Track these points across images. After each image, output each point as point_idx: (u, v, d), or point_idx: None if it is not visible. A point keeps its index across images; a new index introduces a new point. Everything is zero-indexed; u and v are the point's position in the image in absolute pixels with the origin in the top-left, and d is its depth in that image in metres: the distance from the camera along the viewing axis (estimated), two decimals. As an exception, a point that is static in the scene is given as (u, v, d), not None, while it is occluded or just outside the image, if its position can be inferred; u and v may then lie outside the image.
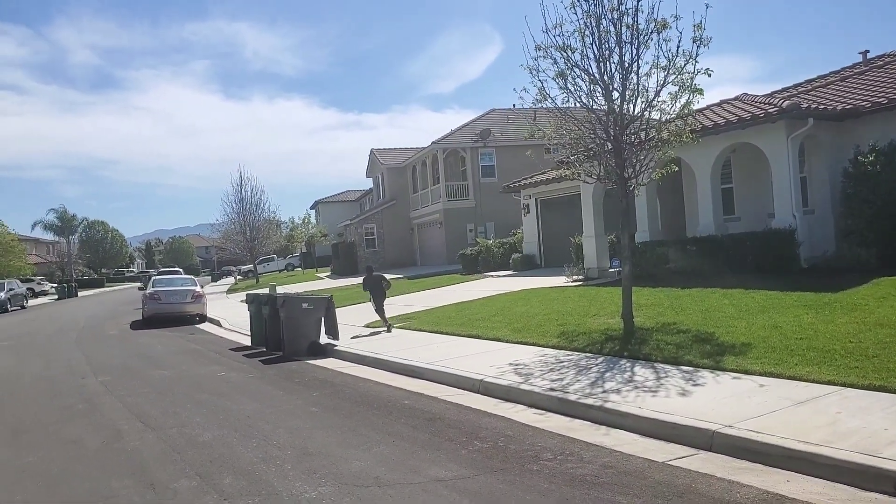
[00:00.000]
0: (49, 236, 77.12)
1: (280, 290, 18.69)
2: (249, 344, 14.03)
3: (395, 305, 17.73)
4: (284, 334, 12.06)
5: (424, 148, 37.10)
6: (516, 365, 8.65)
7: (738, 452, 5.02)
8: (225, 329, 18.40)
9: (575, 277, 17.95)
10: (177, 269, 49.72)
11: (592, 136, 10.71)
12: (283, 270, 61.42)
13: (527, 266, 23.84)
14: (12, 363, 13.72)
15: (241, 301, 27.74)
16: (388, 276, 14.76)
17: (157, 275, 30.81)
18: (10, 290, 37.60)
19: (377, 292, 13.80)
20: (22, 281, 46.49)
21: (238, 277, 59.47)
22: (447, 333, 11.97)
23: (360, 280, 15.67)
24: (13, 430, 7.63)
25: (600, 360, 8.47)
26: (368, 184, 48.07)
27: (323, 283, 34.20)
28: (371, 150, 41.71)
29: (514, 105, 30.94)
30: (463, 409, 7.17)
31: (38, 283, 55.88)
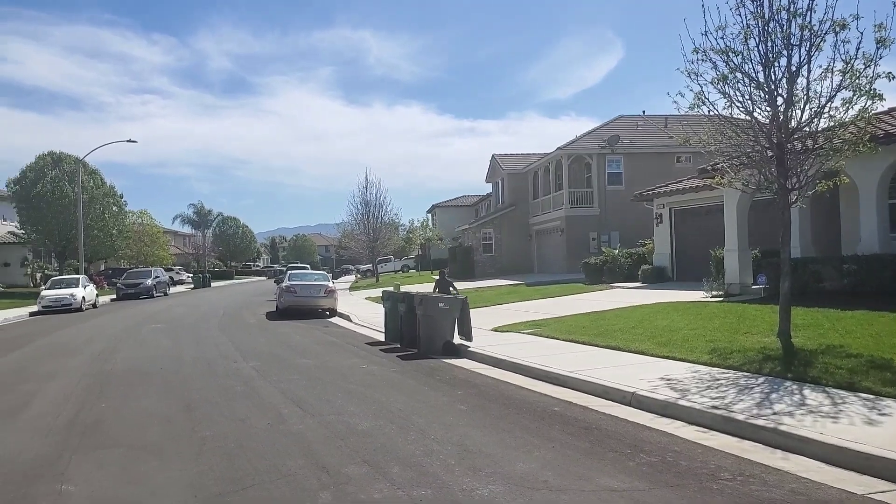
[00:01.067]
0: (187, 229, 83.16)
1: (402, 289, 19.06)
2: (383, 339, 14.37)
3: (519, 312, 17.66)
4: (420, 332, 12.26)
5: (548, 153, 36.82)
6: (668, 380, 8.31)
7: (953, 492, 4.53)
8: (355, 324, 18.99)
9: (714, 293, 17.13)
10: (305, 265, 51.92)
11: (753, 142, 10.15)
12: (398, 272, 62.94)
13: (657, 279, 23.02)
14: (170, 344, 14.78)
15: (366, 298, 28.69)
16: (504, 282, 15.06)
17: (289, 269, 32.29)
18: (156, 277, 40.65)
19: (444, 289, 17.01)
20: (164, 270, 50.27)
21: (357, 276, 61.55)
22: (584, 343, 11.72)
23: (477, 284, 15.88)
24: (186, 405, 8.17)
25: (761, 380, 7.97)
26: (485, 189, 48.35)
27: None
28: (492, 156, 41.86)
29: (643, 111, 30.65)
30: (618, 420, 6.96)
31: (177, 273, 60.16)
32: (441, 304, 12.22)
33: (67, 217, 38.50)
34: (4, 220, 46.79)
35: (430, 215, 65.82)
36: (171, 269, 58.65)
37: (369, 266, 54.15)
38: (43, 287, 31.91)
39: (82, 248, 37.37)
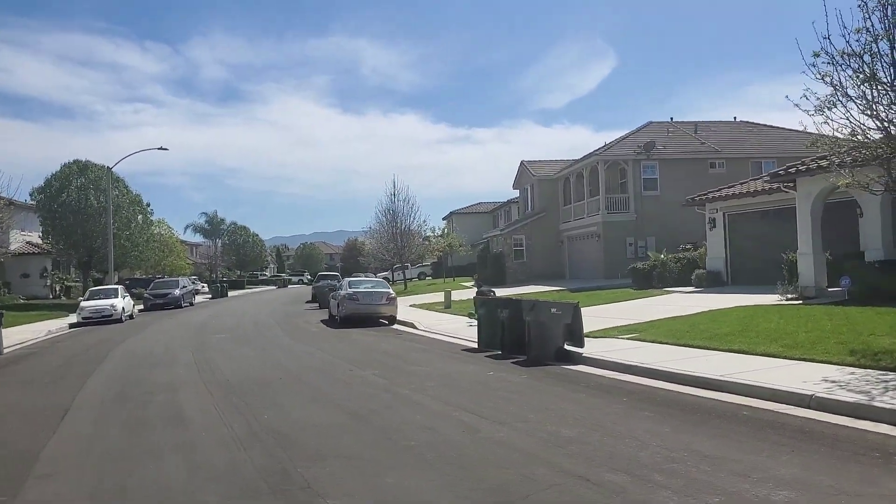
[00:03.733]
0: (198, 238, 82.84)
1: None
2: (476, 346, 14.18)
3: (595, 318, 17.49)
4: (531, 339, 12.14)
5: (579, 160, 36.81)
6: (832, 381, 8.20)
7: None
8: (424, 331, 18.80)
9: (789, 296, 17.06)
10: (334, 273, 51.56)
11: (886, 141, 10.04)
12: (414, 279, 62.81)
13: (712, 283, 22.95)
14: (254, 354, 14.61)
15: (410, 306, 28.48)
16: (542, 288, 15.21)
17: (349, 277, 31.42)
18: (184, 287, 40.40)
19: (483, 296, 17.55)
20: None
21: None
22: (698, 347, 11.60)
23: (513, 290, 15.81)
24: (350, 413, 8.03)
25: (933, 382, 7.89)
26: (501, 196, 48.38)
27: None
28: (521, 162, 41.89)
29: (671, 118, 30.01)
30: (817, 422, 6.84)
31: (193, 283, 59.91)
32: (553, 310, 12.10)
33: (93, 226, 38.14)
34: (23, 230, 46.49)
35: (445, 222, 65.72)
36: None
37: (386, 273, 53.98)
38: (81, 298, 31.61)
39: (112, 257, 37.11)
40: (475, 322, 18.61)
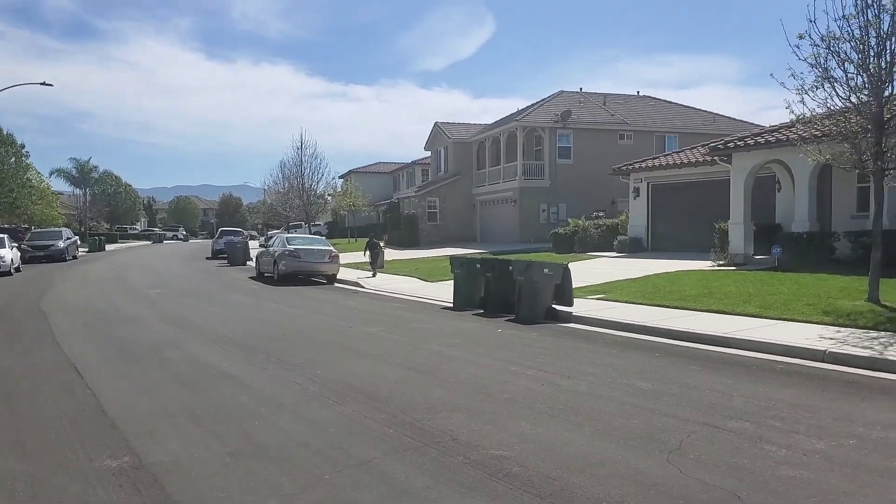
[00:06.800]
0: (64, 185, 76.00)
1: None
2: (451, 306, 14.30)
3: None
4: (522, 298, 12.49)
5: (494, 124, 37.38)
6: (829, 339, 9.15)
7: None
8: (372, 290, 18.70)
9: (720, 262, 18.54)
10: (238, 229, 49.04)
11: (858, 115, 11.06)
12: (309, 238, 61.05)
13: (634, 249, 24.37)
14: (225, 311, 13.97)
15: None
16: (459, 250, 16.33)
17: (285, 233, 29.88)
18: (68, 238, 37.21)
19: (374, 252, 22.41)
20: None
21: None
22: (676, 307, 12.39)
23: (429, 252, 16.28)
24: (410, 368, 8.01)
25: (915, 338, 9.02)
26: (400, 158, 48.08)
27: (393, 254, 34.31)
28: (435, 123, 41.88)
29: (580, 88, 32.42)
30: (849, 374, 7.64)
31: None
32: (546, 270, 12.49)
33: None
34: None
35: (342, 181, 64.54)
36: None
37: (279, 232, 52.44)
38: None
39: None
40: (431, 282, 18.76)
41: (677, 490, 4.28)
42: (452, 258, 15.14)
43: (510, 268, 13.04)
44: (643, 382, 7.21)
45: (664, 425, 5.66)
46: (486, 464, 4.79)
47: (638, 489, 4.31)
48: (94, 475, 4.62)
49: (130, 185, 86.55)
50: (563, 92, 38.91)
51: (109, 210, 77.98)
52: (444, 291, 16.09)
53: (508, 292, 13.06)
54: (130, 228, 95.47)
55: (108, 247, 59.15)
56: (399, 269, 24.05)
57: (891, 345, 8.68)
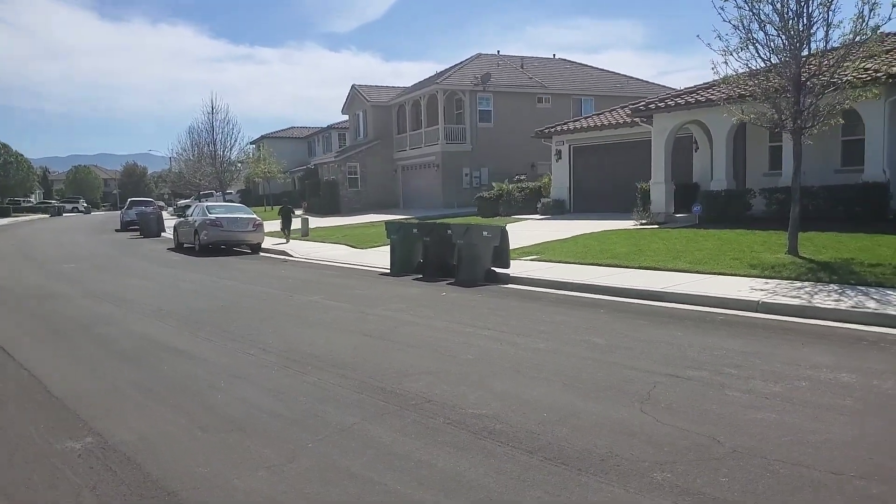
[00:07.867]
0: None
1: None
2: (388, 271, 14.19)
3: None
4: (461, 261, 12.52)
5: (412, 87, 36.92)
6: (759, 290, 9.67)
7: None
8: (301, 258, 18.31)
9: (643, 221, 19.20)
10: (148, 199, 46.53)
11: (778, 76, 11.58)
12: (222, 207, 58.91)
13: (557, 211, 24.87)
14: (154, 285, 13.32)
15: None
16: (384, 217, 17.79)
17: (205, 203, 28.68)
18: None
19: (287, 218, 22.88)
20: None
21: (172, 214, 56.69)
22: (609, 266, 12.75)
23: (353, 219, 16.43)
24: (365, 334, 7.90)
25: (832, 286, 9.66)
26: (312, 122, 46.98)
27: (315, 221, 33.64)
28: (352, 86, 40.93)
29: (497, 51, 32.23)
30: (776, 321, 8.12)
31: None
32: (485, 233, 12.55)
33: None
34: None
35: (254, 147, 62.41)
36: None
37: (189, 202, 50.42)
38: None
39: None
40: (363, 249, 18.55)
41: (658, 438, 4.43)
42: (388, 223, 14.96)
43: (449, 231, 13.04)
44: (597, 338, 7.40)
45: (629, 377, 5.84)
46: (468, 423, 4.80)
47: (620, 438, 4.44)
48: (58, 458, 4.33)
49: (22, 155, 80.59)
50: (480, 55, 38.83)
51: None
52: (377, 258, 15.95)
53: (447, 256, 13.07)
54: (24, 201, 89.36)
55: (1, 221, 55.36)
56: (326, 236, 23.63)
57: (816, 293, 9.27)
